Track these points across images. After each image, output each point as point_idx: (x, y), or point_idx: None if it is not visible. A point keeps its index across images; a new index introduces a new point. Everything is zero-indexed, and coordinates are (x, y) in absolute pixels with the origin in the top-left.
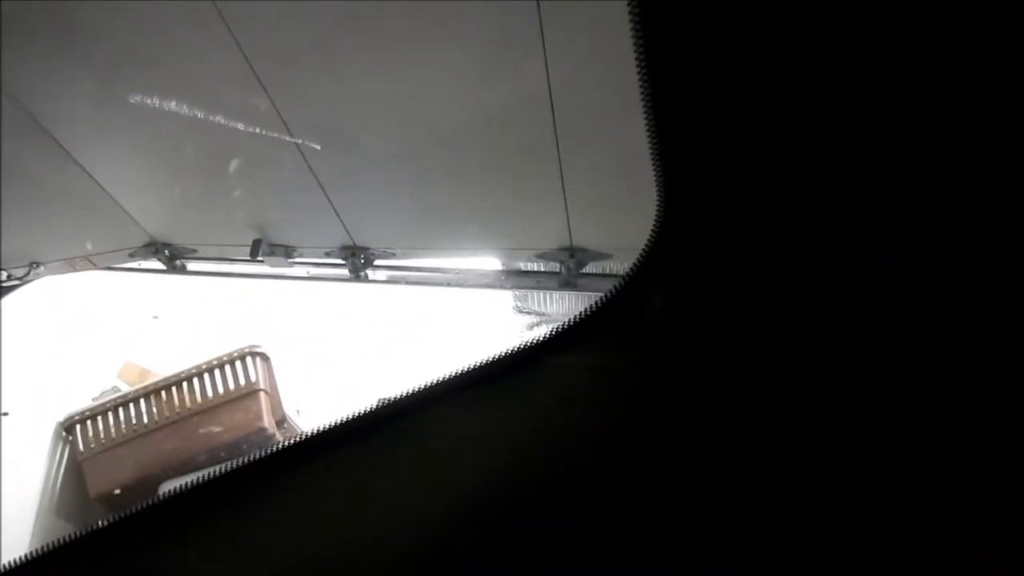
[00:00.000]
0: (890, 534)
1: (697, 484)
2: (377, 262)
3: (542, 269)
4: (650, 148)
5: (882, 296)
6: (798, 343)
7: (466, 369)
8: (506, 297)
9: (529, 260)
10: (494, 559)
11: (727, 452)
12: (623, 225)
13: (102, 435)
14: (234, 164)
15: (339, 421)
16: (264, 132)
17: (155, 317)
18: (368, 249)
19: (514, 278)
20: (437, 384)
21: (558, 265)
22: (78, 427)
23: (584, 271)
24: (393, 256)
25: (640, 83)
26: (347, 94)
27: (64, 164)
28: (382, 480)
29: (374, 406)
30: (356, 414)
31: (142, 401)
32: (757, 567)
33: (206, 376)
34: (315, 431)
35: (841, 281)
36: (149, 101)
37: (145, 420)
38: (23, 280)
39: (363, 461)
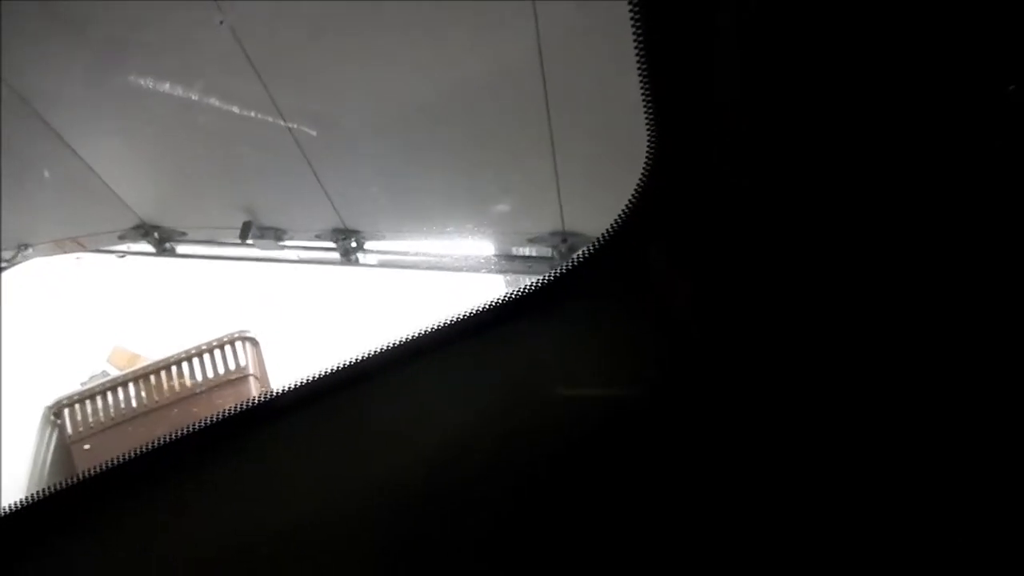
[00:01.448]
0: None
1: (686, 447)
2: (368, 245)
3: (534, 254)
4: (642, 97)
5: (874, 251)
6: (792, 298)
7: (438, 327)
8: (497, 282)
9: (521, 245)
10: (465, 522)
11: (720, 411)
12: (616, 210)
13: (91, 419)
14: (224, 147)
15: (303, 382)
16: (255, 115)
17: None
18: (359, 232)
19: (506, 263)
20: (403, 346)
21: (550, 250)
22: (67, 411)
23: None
24: (384, 239)
25: (632, 26)
26: (338, 77)
27: (54, 146)
28: (354, 442)
29: (343, 365)
30: (321, 374)
31: (131, 385)
32: (752, 533)
33: (195, 361)
34: (278, 392)
35: (837, 231)
36: (140, 83)
37: (134, 404)
38: (11, 262)
39: (329, 424)
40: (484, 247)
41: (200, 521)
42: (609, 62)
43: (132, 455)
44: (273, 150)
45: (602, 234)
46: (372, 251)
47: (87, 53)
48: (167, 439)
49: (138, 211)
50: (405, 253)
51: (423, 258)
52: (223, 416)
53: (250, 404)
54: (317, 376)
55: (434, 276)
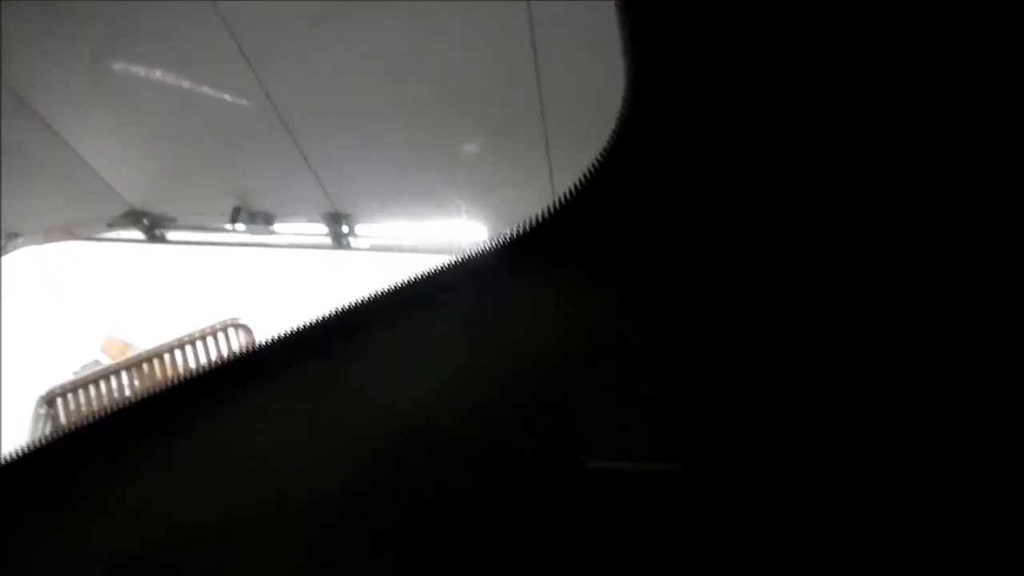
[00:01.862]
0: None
1: (662, 409)
2: (359, 229)
3: None
4: (623, 44)
5: (857, 219)
6: (770, 254)
7: (414, 280)
8: None
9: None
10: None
11: (695, 370)
12: None
13: (84, 408)
14: (213, 132)
15: (288, 333)
16: (244, 101)
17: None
18: (349, 216)
19: None
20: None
21: None
22: (60, 400)
23: None
24: (375, 223)
25: None
26: (328, 61)
27: (43, 134)
28: (326, 405)
29: (315, 321)
30: (301, 327)
31: (124, 374)
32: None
33: (188, 348)
34: (263, 344)
35: (815, 196)
36: (129, 70)
37: (128, 393)
38: (1, 252)
39: (307, 383)
40: (477, 231)
41: (165, 491)
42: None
43: (92, 421)
44: (262, 135)
45: (580, 179)
46: (363, 235)
47: (77, 41)
48: (133, 402)
49: (128, 198)
50: (397, 237)
51: (415, 242)
52: (189, 378)
53: (227, 361)
54: (287, 336)
55: (426, 260)
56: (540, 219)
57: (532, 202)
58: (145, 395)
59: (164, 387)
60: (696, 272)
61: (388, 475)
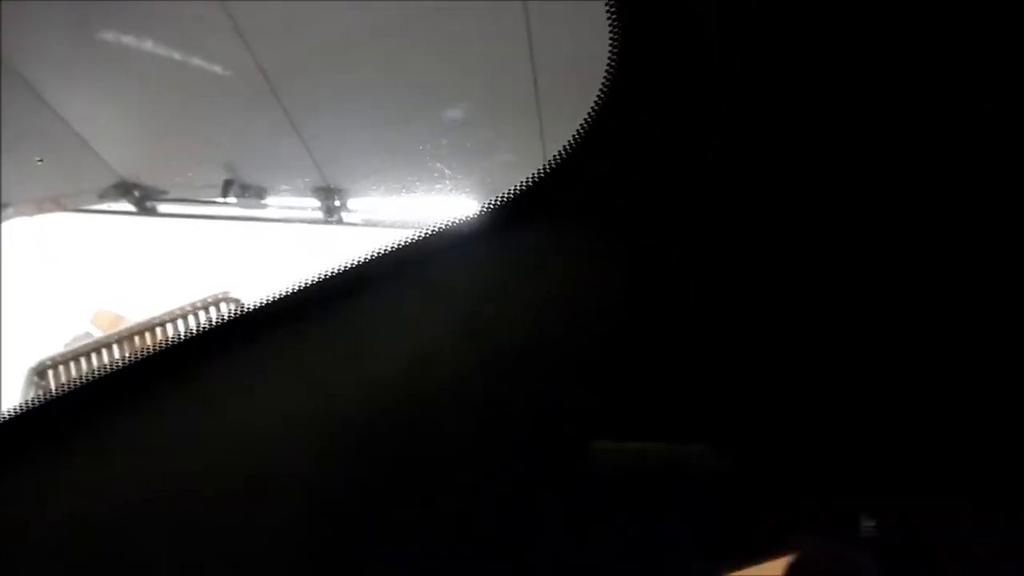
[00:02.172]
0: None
1: (653, 360)
2: (351, 204)
3: None
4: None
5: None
6: (750, 214)
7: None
8: None
9: None
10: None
11: (685, 324)
12: None
13: (75, 380)
14: (205, 104)
15: (278, 296)
16: (236, 72)
17: None
18: (342, 190)
19: None
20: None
21: None
22: (51, 372)
23: None
24: (368, 197)
25: None
26: (320, 32)
27: (32, 103)
28: (318, 359)
29: (309, 283)
30: (290, 291)
31: (115, 347)
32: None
33: (179, 323)
34: (257, 304)
35: (796, 157)
36: (120, 39)
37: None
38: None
39: (299, 341)
40: (469, 206)
41: (132, 463)
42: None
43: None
44: (254, 108)
45: (559, 153)
46: (356, 210)
47: (66, 8)
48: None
49: (118, 170)
50: (389, 212)
51: (407, 217)
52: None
53: (207, 328)
54: (274, 300)
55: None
56: (524, 186)
57: (524, 177)
58: (130, 360)
59: (139, 356)
60: (681, 240)
61: (362, 439)
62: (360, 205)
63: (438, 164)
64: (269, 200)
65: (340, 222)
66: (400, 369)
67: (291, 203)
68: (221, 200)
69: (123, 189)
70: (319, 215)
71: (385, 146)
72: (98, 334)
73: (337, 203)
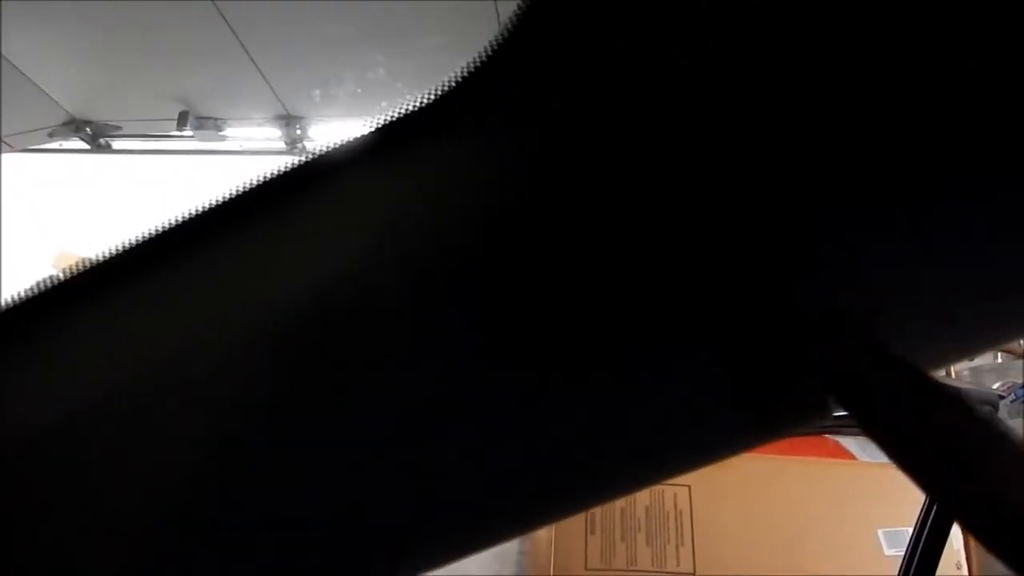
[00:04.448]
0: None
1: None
2: (313, 132)
3: None
4: None
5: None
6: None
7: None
8: None
9: None
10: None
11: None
12: None
13: None
14: (154, 33)
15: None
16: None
17: None
18: (303, 118)
19: None
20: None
21: None
22: None
23: None
24: (330, 124)
25: None
26: None
27: None
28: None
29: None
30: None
31: None
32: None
33: None
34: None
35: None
36: None
37: None
38: None
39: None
40: None
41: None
42: None
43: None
44: (205, 35)
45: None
46: (318, 138)
47: None
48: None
49: (67, 106)
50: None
51: None
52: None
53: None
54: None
55: None
56: (456, 80)
57: None
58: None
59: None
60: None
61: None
62: (323, 133)
63: (399, 85)
64: (228, 132)
65: (304, 151)
66: (333, 273)
67: (251, 134)
68: (178, 134)
69: (74, 126)
70: (281, 145)
71: (344, 72)
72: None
73: (299, 131)
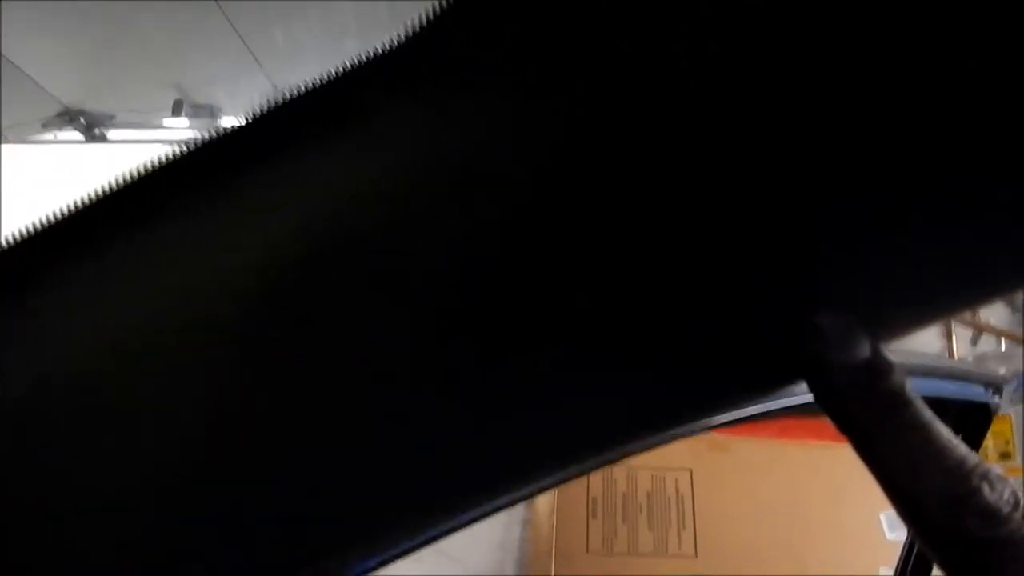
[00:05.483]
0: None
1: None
2: None
3: None
4: None
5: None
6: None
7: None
8: None
9: None
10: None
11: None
12: None
13: None
14: (146, 21)
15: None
16: None
17: None
18: None
19: None
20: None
21: None
22: None
23: None
24: None
25: None
26: None
27: None
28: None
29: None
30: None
31: None
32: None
33: None
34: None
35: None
36: None
37: None
38: None
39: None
40: None
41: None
42: None
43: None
44: (201, 23)
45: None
46: None
47: None
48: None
49: (61, 97)
50: None
51: None
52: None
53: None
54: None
55: None
56: (406, 36)
57: None
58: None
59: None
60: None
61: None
62: None
63: None
64: (224, 120)
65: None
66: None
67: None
68: (173, 124)
69: (68, 117)
70: None
71: (342, 57)
72: None
73: None
